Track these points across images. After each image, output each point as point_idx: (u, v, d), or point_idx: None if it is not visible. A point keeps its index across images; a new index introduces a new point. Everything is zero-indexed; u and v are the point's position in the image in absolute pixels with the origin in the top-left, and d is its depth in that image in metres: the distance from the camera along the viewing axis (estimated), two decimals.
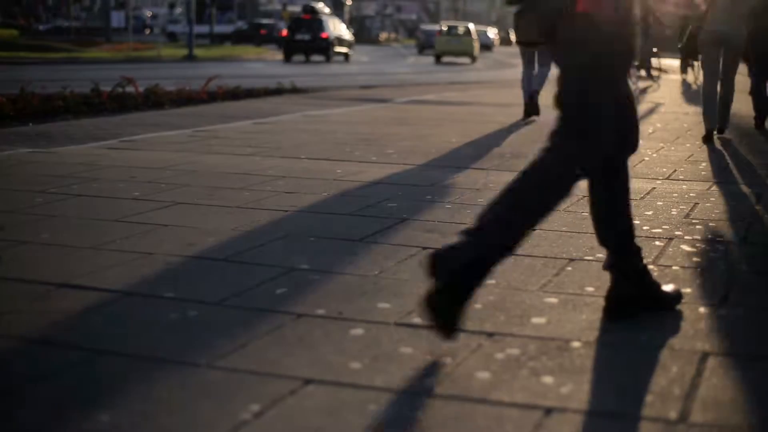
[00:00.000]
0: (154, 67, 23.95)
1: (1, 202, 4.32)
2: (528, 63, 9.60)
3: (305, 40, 32.17)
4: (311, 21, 32.93)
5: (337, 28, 34.44)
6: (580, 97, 2.52)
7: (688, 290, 3.00)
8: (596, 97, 2.52)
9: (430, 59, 38.78)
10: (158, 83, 11.40)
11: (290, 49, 32.35)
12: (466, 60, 37.61)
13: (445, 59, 37.37)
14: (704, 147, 7.38)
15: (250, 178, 5.18)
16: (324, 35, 32.60)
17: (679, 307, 2.80)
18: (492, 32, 63.34)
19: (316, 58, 33.42)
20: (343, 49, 34.10)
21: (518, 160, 6.25)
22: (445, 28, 38.80)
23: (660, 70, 20.80)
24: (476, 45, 38.33)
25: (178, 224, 3.90)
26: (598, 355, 2.36)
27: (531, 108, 9.43)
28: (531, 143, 7.35)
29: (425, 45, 45.96)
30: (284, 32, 33.73)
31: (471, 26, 39.81)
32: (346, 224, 3.96)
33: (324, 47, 32.43)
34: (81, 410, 1.98)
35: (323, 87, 15.75)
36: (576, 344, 2.45)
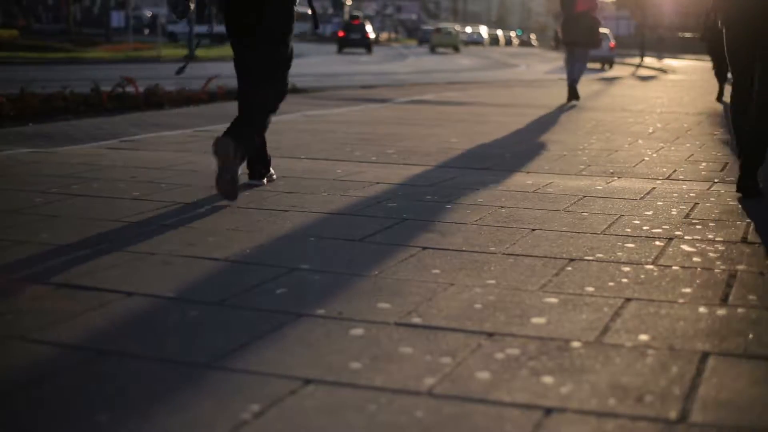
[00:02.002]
0: (154, 67, 23.95)
1: (1, 202, 4.32)
2: (571, 58, 12.25)
3: (356, 38, 45.56)
4: (359, 25, 46.35)
5: (371, 30, 48.02)
6: None
7: (688, 290, 3.00)
8: None
9: (430, 60, 39.92)
10: (158, 83, 11.39)
11: (344, 44, 45.51)
12: (450, 50, 53.29)
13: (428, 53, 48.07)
14: (704, 147, 7.38)
15: None
16: (367, 35, 45.98)
17: (679, 307, 2.80)
18: (485, 32, 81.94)
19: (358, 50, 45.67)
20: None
21: (518, 160, 6.25)
22: (439, 29, 57.35)
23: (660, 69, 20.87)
24: (459, 40, 57.20)
25: (177, 224, 3.90)
26: (598, 355, 2.37)
27: (572, 94, 12.07)
28: (530, 143, 7.36)
29: (423, 40, 66.53)
30: (341, 33, 46.68)
31: (456, 27, 61.02)
32: (346, 224, 3.96)
33: (368, 43, 45.47)
34: (81, 410, 1.98)
35: (323, 87, 15.75)
36: (576, 344, 2.45)
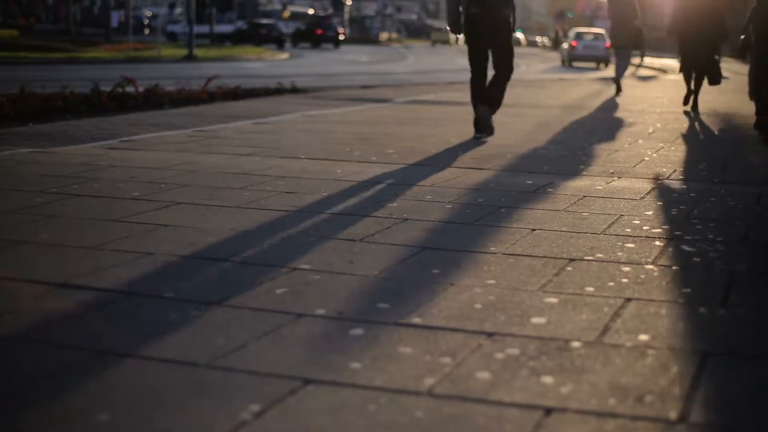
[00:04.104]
0: (154, 67, 23.95)
1: (1, 202, 4.32)
2: (620, 58, 14.84)
3: (330, 35, 54.20)
4: (331, 23, 56.47)
5: (340, 29, 58.99)
6: None
7: (688, 290, 3.00)
8: None
9: (431, 60, 40.16)
10: (158, 83, 11.39)
11: (319, 40, 53.84)
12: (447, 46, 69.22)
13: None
14: (704, 147, 7.38)
15: (250, 178, 5.18)
16: (340, 31, 56.58)
17: (679, 307, 2.80)
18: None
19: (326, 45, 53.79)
20: (342, 38, 57.58)
21: (519, 160, 6.25)
22: (439, 29, 79.08)
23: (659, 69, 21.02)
24: (451, 37, 72.74)
25: (178, 224, 3.90)
26: (598, 355, 2.37)
27: (618, 90, 14.63)
28: (531, 143, 7.36)
29: (436, 39, 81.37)
30: (319, 30, 54.55)
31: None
32: (346, 224, 3.96)
33: (337, 40, 54.28)
34: (81, 410, 1.98)
35: (323, 87, 15.75)
36: (576, 344, 2.45)
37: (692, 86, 11.53)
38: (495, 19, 7.60)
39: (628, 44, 14.60)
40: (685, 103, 11.61)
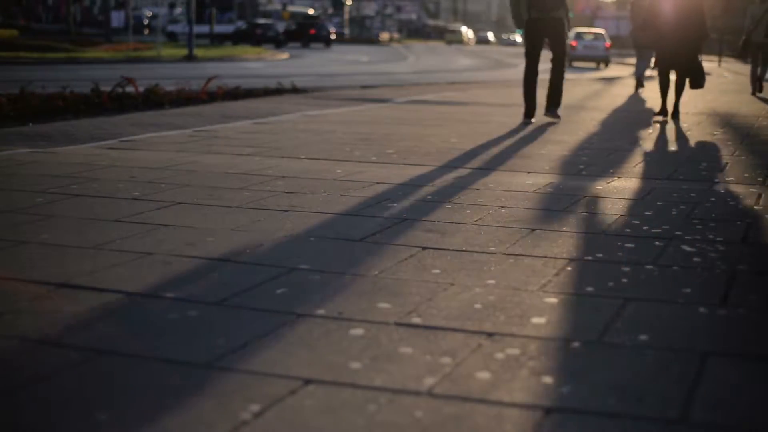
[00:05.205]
0: (154, 67, 23.95)
1: (1, 202, 4.32)
2: (641, 57, 16.21)
3: (322, 34, 56.69)
4: (322, 23, 60.12)
5: (332, 29, 63.60)
6: None
7: (688, 290, 3.00)
8: None
9: (430, 60, 40.33)
10: (158, 83, 11.40)
11: (309, 39, 55.45)
12: (460, 45, 76.81)
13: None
14: (704, 147, 7.38)
15: (250, 178, 5.18)
16: (332, 31, 60.01)
17: (679, 307, 2.80)
18: (491, 35, 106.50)
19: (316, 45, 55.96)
20: (333, 37, 61.16)
21: (519, 160, 6.25)
22: (452, 30, 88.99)
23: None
24: (461, 37, 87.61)
25: (178, 224, 3.90)
26: (598, 355, 2.37)
27: (639, 85, 16.18)
28: (530, 143, 7.36)
29: (451, 40, 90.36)
30: (312, 30, 56.77)
31: (463, 28, 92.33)
32: (346, 224, 3.96)
33: (328, 39, 56.64)
34: (81, 410, 1.98)
35: (323, 87, 15.75)
36: (576, 344, 2.45)
37: (667, 95, 10.29)
38: (551, 19, 9.33)
39: (649, 44, 15.53)
40: (661, 113, 10.12)
